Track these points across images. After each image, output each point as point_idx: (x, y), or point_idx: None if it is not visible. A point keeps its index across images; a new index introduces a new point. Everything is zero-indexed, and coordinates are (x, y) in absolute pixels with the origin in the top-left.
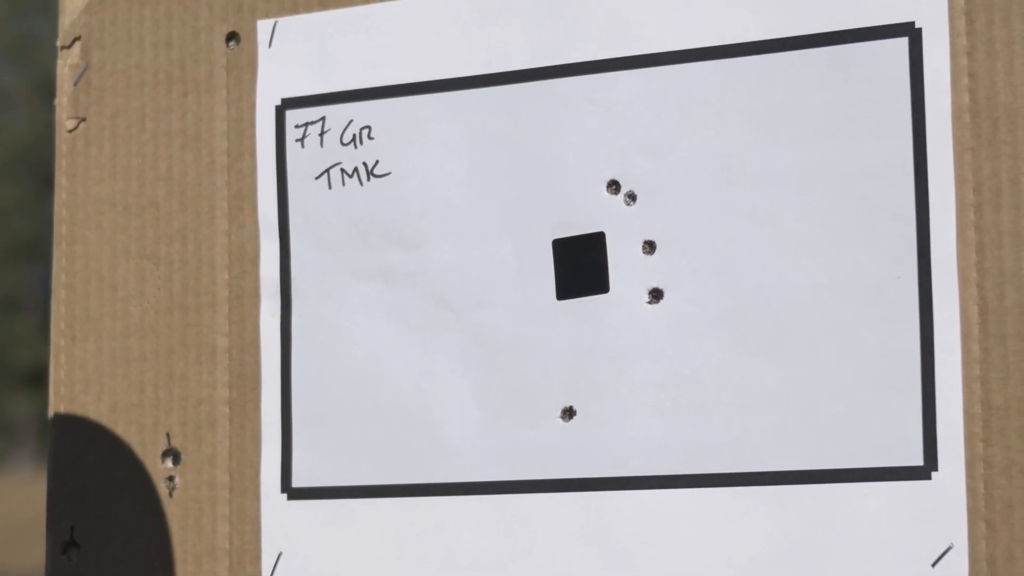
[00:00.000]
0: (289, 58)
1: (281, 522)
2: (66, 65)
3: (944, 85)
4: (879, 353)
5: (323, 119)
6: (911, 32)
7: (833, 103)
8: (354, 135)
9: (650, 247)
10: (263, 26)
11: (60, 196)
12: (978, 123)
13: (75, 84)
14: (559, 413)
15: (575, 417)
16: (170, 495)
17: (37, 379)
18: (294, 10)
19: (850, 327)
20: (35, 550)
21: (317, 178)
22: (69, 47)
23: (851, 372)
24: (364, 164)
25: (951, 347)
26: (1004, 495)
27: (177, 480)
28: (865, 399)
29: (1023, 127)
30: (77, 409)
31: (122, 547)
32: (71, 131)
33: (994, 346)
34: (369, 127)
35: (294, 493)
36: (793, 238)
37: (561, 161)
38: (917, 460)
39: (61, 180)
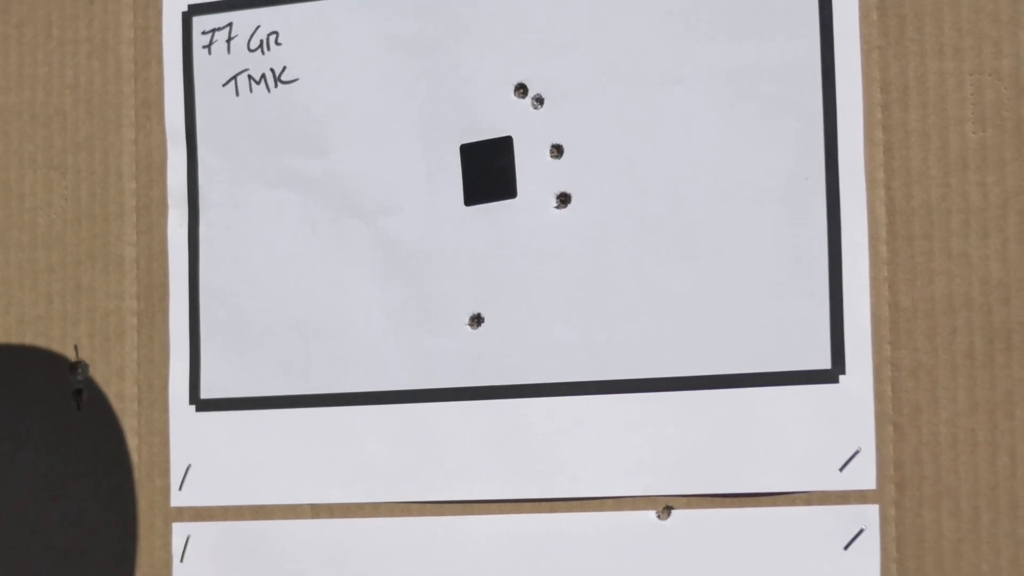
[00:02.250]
0: None
1: (190, 433)
2: None
3: None
4: (787, 256)
5: (230, 25)
6: None
7: (741, 2)
8: (261, 41)
9: (558, 151)
10: None
11: None
12: (885, 21)
13: None
14: (467, 320)
15: (483, 324)
16: (78, 408)
17: None
18: None
19: (758, 230)
20: None
21: (224, 85)
22: None
23: (759, 276)
24: (272, 70)
25: (859, 249)
26: (911, 398)
27: (85, 393)
28: (773, 303)
29: (930, 24)
30: None
31: (30, 460)
32: None
33: (901, 247)
34: (276, 32)
35: (202, 404)
36: (701, 141)
37: (470, 65)
38: (825, 364)
39: None
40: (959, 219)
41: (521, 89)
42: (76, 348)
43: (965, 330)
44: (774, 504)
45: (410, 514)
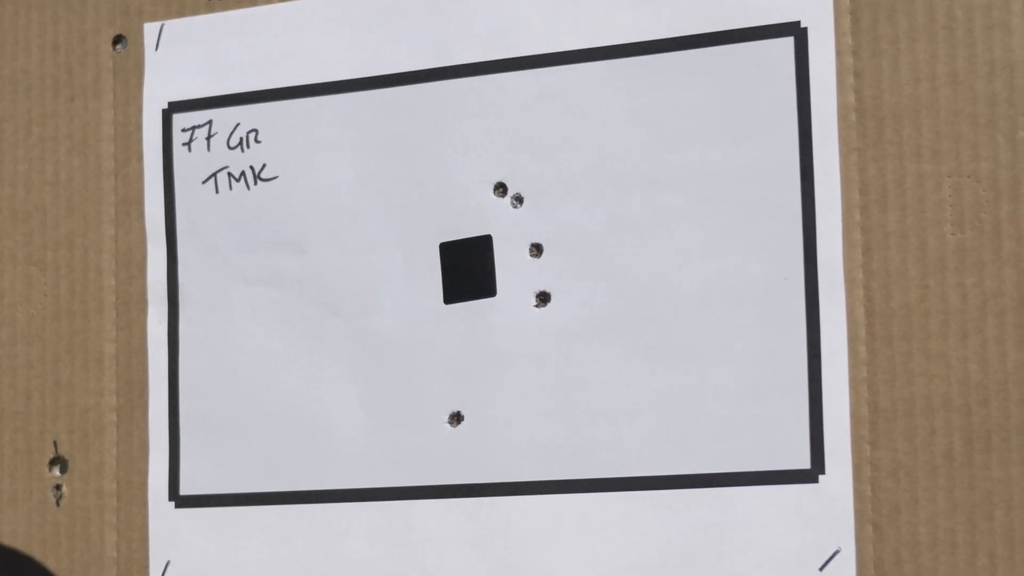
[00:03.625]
0: (176, 61)
1: (169, 530)
2: None
3: (830, 85)
4: (766, 356)
5: (210, 122)
6: (796, 32)
7: (719, 105)
8: (241, 138)
9: (537, 250)
10: (150, 29)
11: None
12: (864, 123)
13: None
14: (447, 418)
15: (463, 422)
16: (57, 504)
17: None
18: (181, 12)
19: (737, 330)
20: None
21: (204, 182)
22: None
23: (738, 375)
24: (251, 168)
25: (838, 349)
26: (891, 498)
27: (64, 488)
28: (752, 402)
29: (908, 127)
30: None
31: (9, 557)
32: None
33: (880, 348)
34: (256, 130)
35: (182, 501)
36: (679, 241)
37: (449, 164)
38: (804, 463)
39: None
40: (938, 320)
41: (501, 188)
42: (55, 444)
43: (944, 431)
44: None
45: None
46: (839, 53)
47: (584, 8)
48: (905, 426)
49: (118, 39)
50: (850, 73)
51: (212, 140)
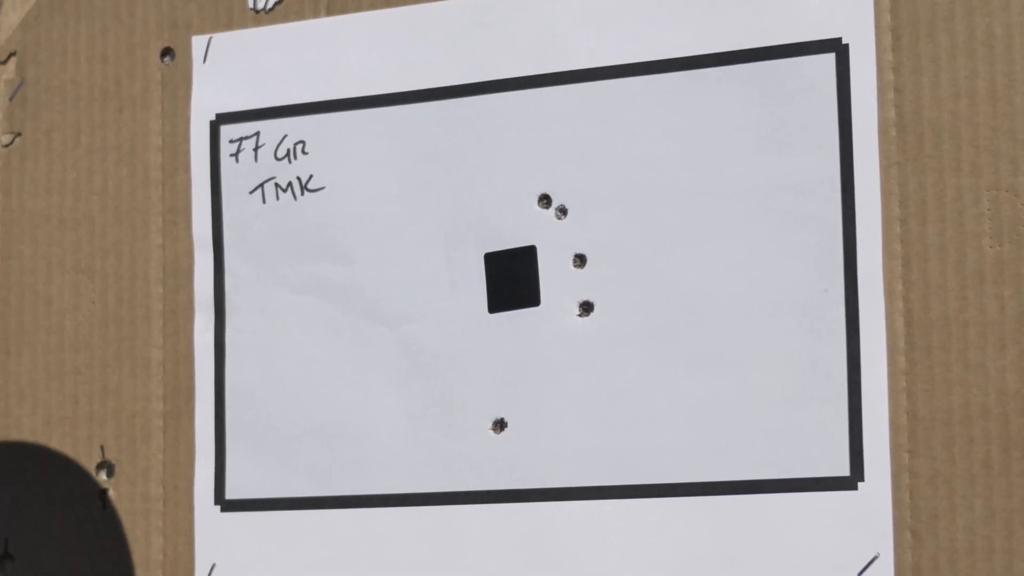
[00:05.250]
0: (224, 74)
1: (214, 534)
2: (1, 81)
3: (871, 100)
4: (806, 365)
5: (257, 134)
6: (838, 48)
7: (761, 118)
8: (288, 150)
9: (581, 260)
10: (198, 42)
11: None
12: (904, 137)
13: (11, 99)
14: (490, 425)
15: (506, 429)
16: (104, 507)
17: None
18: (228, 26)
19: (778, 339)
20: None
21: (251, 192)
22: (4, 62)
23: (779, 384)
24: (298, 179)
25: (877, 359)
26: (929, 505)
27: (111, 492)
28: (793, 411)
29: (948, 141)
30: (11, 423)
31: (56, 560)
32: (6, 146)
33: (919, 358)
34: (303, 142)
35: (227, 505)
36: (721, 252)
37: (492, 175)
38: (844, 471)
39: None
40: (976, 331)
41: (545, 200)
42: (102, 448)
43: (982, 439)
44: None
45: None
46: (880, 69)
47: (627, 24)
48: (943, 435)
49: (166, 51)
50: (891, 89)
51: (259, 151)
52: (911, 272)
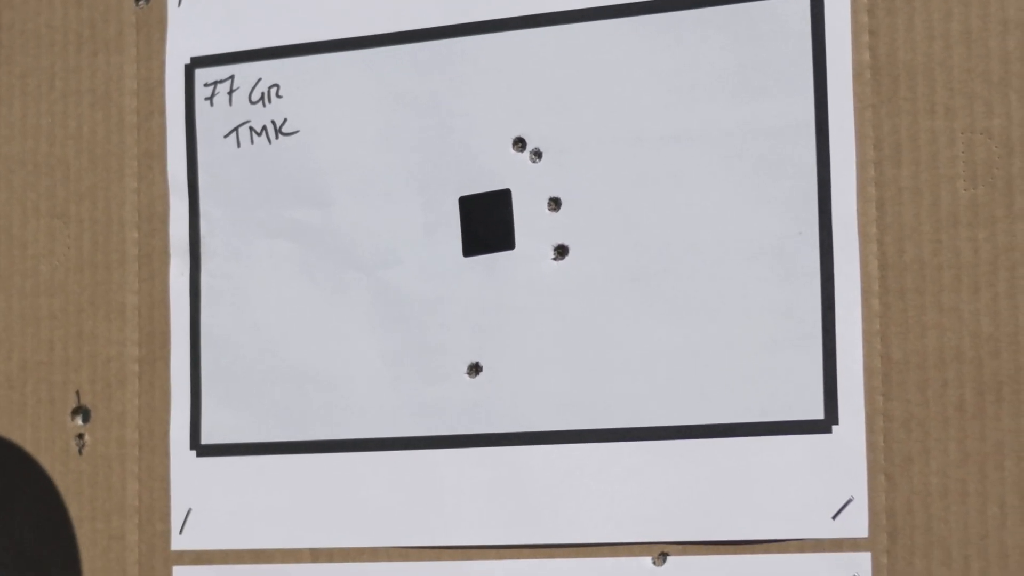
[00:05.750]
0: (198, 17)
1: (190, 479)
2: None
3: (845, 42)
4: (781, 309)
5: (232, 77)
6: None
7: (736, 62)
8: (263, 93)
9: (555, 204)
10: None
11: None
12: (878, 80)
13: None
14: (466, 369)
15: (481, 373)
16: (80, 452)
17: None
18: None
19: (752, 283)
20: None
21: (226, 136)
22: None
23: (753, 328)
24: (272, 122)
25: (851, 303)
26: (903, 448)
27: (87, 437)
28: (767, 354)
29: (923, 84)
30: None
31: (32, 505)
32: None
33: (894, 301)
34: (277, 85)
35: (203, 450)
36: (696, 196)
37: (468, 118)
38: (818, 414)
39: None
40: (950, 274)
41: (520, 143)
42: (78, 394)
43: (956, 383)
44: (768, 551)
45: (408, 559)
46: (854, 11)
47: None
48: (917, 378)
49: None
50: (865, 31)
51: (234, 95)
52: (885, 215)
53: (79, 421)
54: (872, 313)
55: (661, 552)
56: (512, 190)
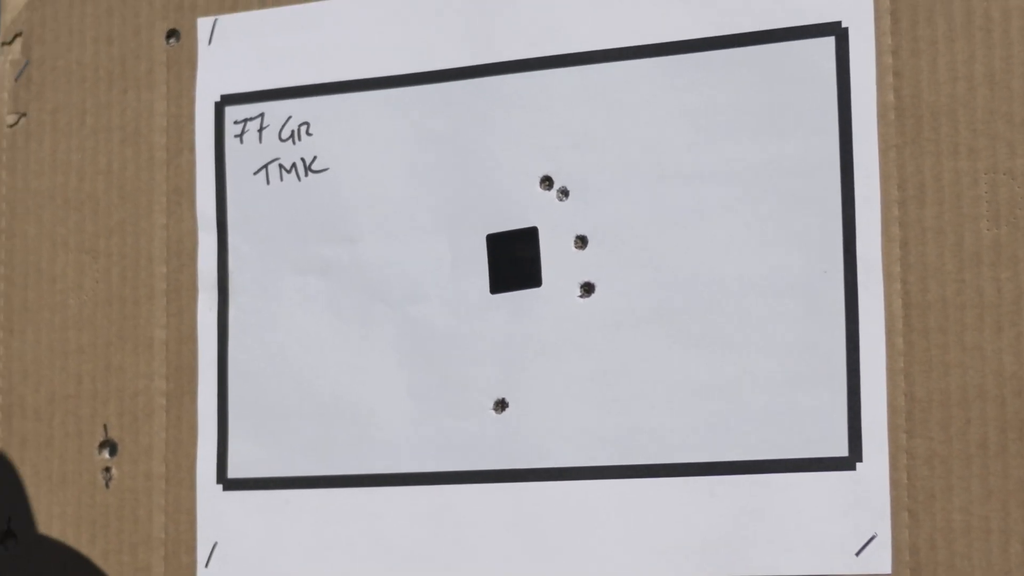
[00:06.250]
0: (229, 55)
1: (216, 512)
2: (7, 61)
3: (870, 83)
4: (806, 347)
5: (262, 115)
6: (838, 31)
7: (762, 101)
8: (293, 131)
9: (582, 242)
10: (203, 23)
11: (0, 190)
12: (903, 121)
13: (16, 80)
14: (491, 405)
15: (507, 409)
16: (107, 486)
17: None
18: (234, 8)
19: (777, 321)
20: None
21: (255, 173)
22: (10, 43)
23: (778, 365)
24: (302, 160)
25: (875, 341)
26: (926, 485)
27: (114, 471)
28: (792, 392)
29: (946, 124)
30: (15, 401)
31: (59, 537)
32: (11, 126)
33: (917, 340)
34: (308, 123)
35: (229, 484)
36: (722, 234)
37: (495, 157)
38: (842, 451)
39: (1, 174)
40: (973, 313)
41: (547, 182)
42: (105, 427)
43: (979, 421)
44: None
45: None
46: (879, 53)
47: (628, 7)
48: (941, 416)
49: (171, 33)
50: (889, 72)
51: (264, 132)
52: (909, 254)
53: (106, 454)
54: (896, 351)
55: None
56: (539, 228)
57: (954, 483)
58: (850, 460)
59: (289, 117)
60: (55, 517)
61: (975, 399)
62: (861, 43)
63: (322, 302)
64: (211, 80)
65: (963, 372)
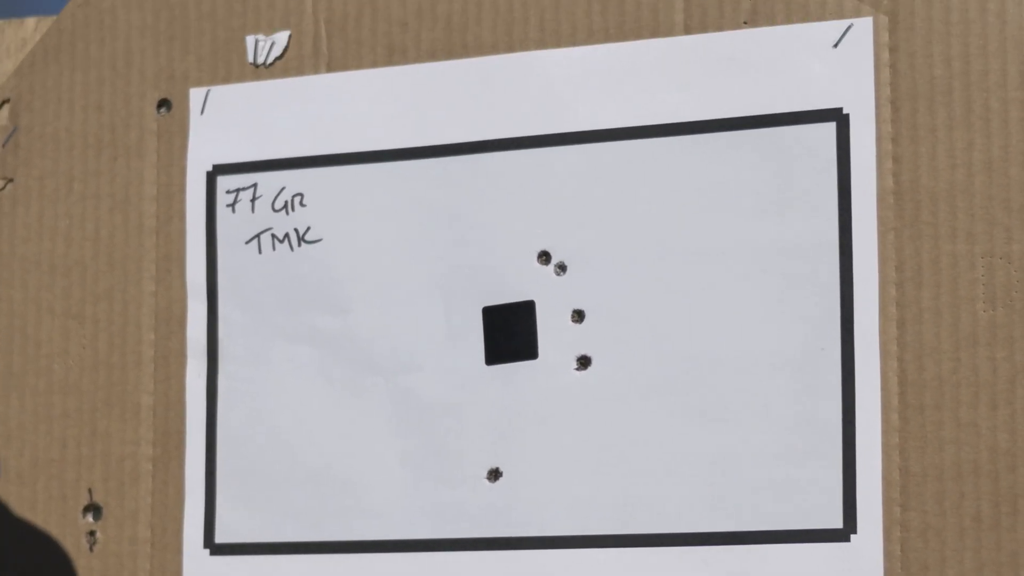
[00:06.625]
0: (221, 125)
1: None
2: None
3: (870, 168)
4: (803, 421)
5: (255, 185)
6: (839, 118)
7: (763, 182)
8: (286, 202)
9: (579, 316)
10: (195, 94)
11: None
12: (901, 205)
13: (3, 145)
14: (485, 474)
15: (501, 478)
16: (91, 550)
17: None
18: (227, 79)
19: (775, 396)
20: None
21: (247, 243)
22: None
23: (775, 439)
24: (295, 230)
25: (871, 416)
26: (920, 558)
27: (99, 535)
28: (788, 464)
29: (944, 209)
30: None
31: None
32: None
33: (912, 416)
34: (301, 194)
35: (217, 549)
36: (720, 310)
37: (492, 231)
38: (837, 523)
39: None
40: (968, 391)
41: (544, 256)
42: (90, 491)
43: (973, 495)
44: None
45: None
46: (879, 139)
47: (630, 87)
48: (935, 490)
49: (162, 103)
50: (889, 158)
51: (257, 202)
52: (906, 334)
53: (91, 518)
54: (891, 427)
55: None
56: (536, 301)
57: (948, 555)
58: (845, 532)
59: (283, 188)
60: None
61: (969, 474)
62: (862, 129)
63: (313, 371)
64: (203, 149)
65: (958, 448)
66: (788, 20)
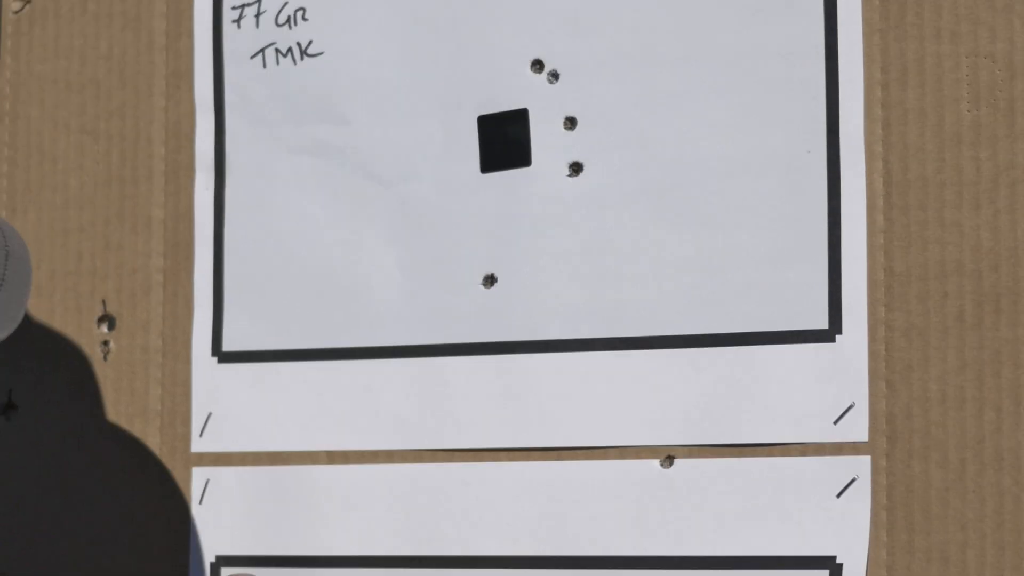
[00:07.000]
0: None
1: (211, 384)
2: None
3: None
4: (788, 223)
5: (259, 1)
6: None
7: None
8: (289, 16)
9: (571, 123)
10: None
11: (4, 75)
12: (886, 6)
13: None
14: (481, 280)
15: (496, 284)
16: (104, 359)
17: None
18: None
19: (761, 198)
20: None
21: (252, 57)
22: None
23: (762, 241)
24: (298, 44)
25: (856, 217)
26: (904, 356)
27: (112, 344)
28: (775, 267)
29: (929, 10)
30: None
31: (58, 408)
32: (16, 12)
33: (897, 216)
34: (304, 8)
35: (224, 356)
36: (708, 115)
37: (487, 41)
38: (822, 324)
39: (6, 59)
40: (952, 191)
41: (537, 65)
42: (104, 302)
43: (956, 294)
44: (772, 454)
45: (422, 461)
46: None
47: None
48: (919, 289)
49: None
50: None
51: (261, 18)
52: (891, 134)
53: (104, 328)
54: (876, 228)
55: (668, 455)
56: (529, 109)
57: (931, 354)
58: (830, 332)
59: (286, 2)
60: (55, 389)
61: (952, 273)
62: None
63: (316, 181)
64: None
65: (941, 248)
66: None
